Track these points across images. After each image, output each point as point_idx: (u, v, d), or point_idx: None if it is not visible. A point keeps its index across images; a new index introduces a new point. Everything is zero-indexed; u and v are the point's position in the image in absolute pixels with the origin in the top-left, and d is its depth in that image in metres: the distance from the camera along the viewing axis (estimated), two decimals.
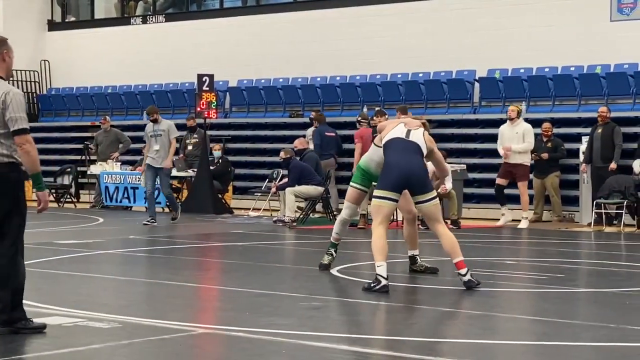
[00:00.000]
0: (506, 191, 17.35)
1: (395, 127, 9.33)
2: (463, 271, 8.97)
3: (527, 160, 17.06)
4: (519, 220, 16.97)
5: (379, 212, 9.04)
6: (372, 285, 8.75)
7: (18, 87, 26.31)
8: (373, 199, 9.15)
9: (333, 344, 6.32)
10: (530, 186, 18.06)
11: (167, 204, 18.29)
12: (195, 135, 20.99)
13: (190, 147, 20.97)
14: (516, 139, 16.92)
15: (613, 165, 16.76)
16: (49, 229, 15.46)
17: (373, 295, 8.55)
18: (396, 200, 9.15)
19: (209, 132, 20.39)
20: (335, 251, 10.25)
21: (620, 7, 19.24)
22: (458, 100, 20.44)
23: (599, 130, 17.08)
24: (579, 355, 6.24)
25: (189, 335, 6.58)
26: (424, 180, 9.16)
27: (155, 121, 16.82)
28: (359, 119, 18.75)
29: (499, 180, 17.21)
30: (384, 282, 8.70)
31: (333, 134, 19.82)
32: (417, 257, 10.09)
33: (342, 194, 19.71)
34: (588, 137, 17.34)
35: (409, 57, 21.23)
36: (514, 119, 16.99)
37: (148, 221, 16.42)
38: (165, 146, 16.65)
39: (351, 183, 10.10)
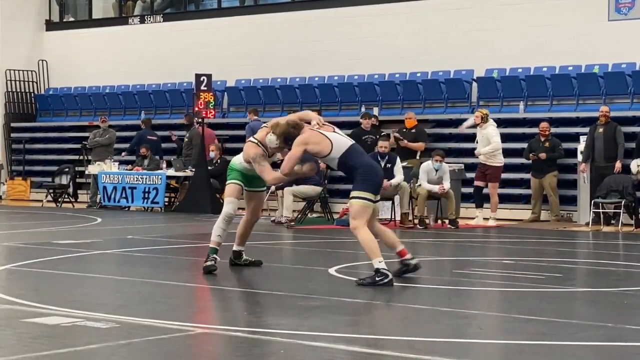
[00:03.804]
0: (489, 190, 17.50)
1: (332, 133, 9.28)
2: (409, 256, 9.42)
3: (497, 161, 17.22)
4: (487, 219, 17.13)
5: (364, 213, 9.11)
6: (377, 279, 8.84)
7: (16, 87, 26.66)
8: (357, 200, 9.09)
9: (331, 344, 6.32)
10: (528, 186, 18.11)
11: None
12: (187, 134, 20.99)
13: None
14: (482, 143, 17.23)
15: (619, 165, 16.77)
16: (47, 229, 15.46)
17: (371, 294, 8.55)
18: (375, 202, 9.35)
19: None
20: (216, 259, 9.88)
21: (618, 7, 19.25)
22: (456, 100, 20.45)
23: (601, 130, 17.08)
24: (577, 354, 6.24)
25: (187, 335, 6.58)
26: None
27: None
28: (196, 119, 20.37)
29: (477, 182, 17.42)
30: (390, 275, 8.89)
31: (154, 138, 21.35)
32: (243, 252, 10.37)
33: (333, 194, 19.79)
34: (586, 136, 17.35)
35: (407, 56, 21.24)
36: (480, 124, 17.20)
37: None
38: None
39: (234, 181, 10.11)
